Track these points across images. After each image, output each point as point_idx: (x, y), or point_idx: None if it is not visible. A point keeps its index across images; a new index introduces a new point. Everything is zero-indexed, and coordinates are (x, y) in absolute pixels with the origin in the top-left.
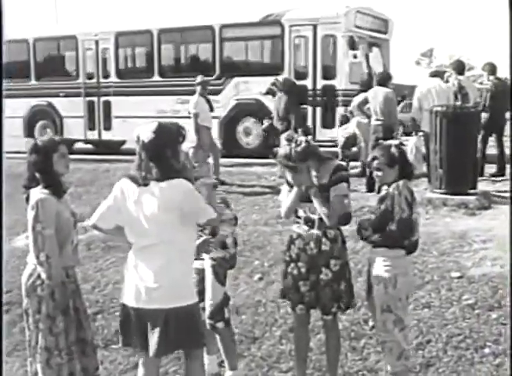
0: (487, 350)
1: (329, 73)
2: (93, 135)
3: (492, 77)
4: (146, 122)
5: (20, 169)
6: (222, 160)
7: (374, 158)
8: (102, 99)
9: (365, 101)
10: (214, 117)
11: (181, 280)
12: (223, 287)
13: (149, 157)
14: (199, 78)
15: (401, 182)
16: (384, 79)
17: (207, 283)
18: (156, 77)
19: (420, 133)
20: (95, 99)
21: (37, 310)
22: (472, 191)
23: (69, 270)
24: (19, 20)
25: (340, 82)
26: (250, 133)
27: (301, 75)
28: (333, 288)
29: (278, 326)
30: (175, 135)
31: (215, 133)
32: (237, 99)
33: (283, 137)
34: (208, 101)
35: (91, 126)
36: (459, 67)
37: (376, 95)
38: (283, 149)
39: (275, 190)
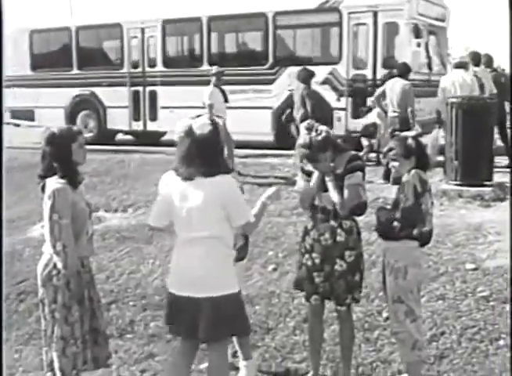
0: (501, 342)
1: (390, 62)
2: (138, 125)
3: (489, 70)
4: (194, 113)
5: (33, 159)
6: (246, 152)
7: (390, 149)
8: (148, 88)
9: (383, 93)
10: (266, 108)
11: (225, 269)
12: None
13: (201, 151)
14: (214, 69)
15: (412, 172)
16: (403, 71)
17: None
18: (206, 67)
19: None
20: (140, 88)
21: (53, 300)
22: (487, 183)
23: (84, 260)
24: (33, 11)
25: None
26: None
27: (360, 64)
28: (348, 279)
29: (292, 316)
30: (220, 131)
31: (268, 125)
32: (291, 90)
33: (302, 126)
34: (223, 92)
35: (136, 117)
36: (476, 59)
37: (394, 87)
38: (302, 138)
39: (290, 181)
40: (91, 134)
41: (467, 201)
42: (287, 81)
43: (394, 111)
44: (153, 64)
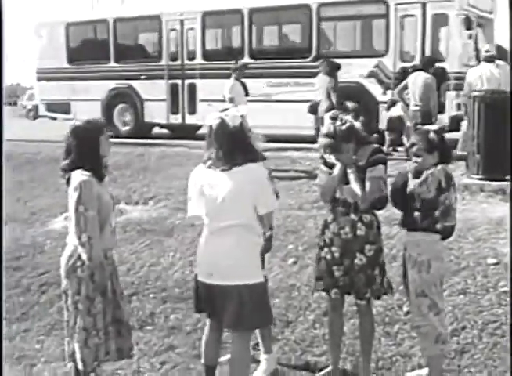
0: None
1: (439, 55)
2: (176, 119)
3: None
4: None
5: (55, 153)
6: (265, 145)
7: (413, 144)
8: (187, 81)
9: (405, 87)
10: (308, 102)
11: (253, 258)
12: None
13: (235, 142)
14: (237, 63)
15: (438, 167)
16: (426, 64)
17: None
18: (246, 59)
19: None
20: (178, 81)
21: (77, 291)
22: (509, 177)
23: (107, 252)
24: (52, 4)
25: (452, 64)
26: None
27: (408, 57)
28: (367, 273)
29: (311, 310)
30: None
31: (310, 119)
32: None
33: (326, 116)
34: (243, 85)
35: (174, 110)
36: (500, 53)
37: (416, 80)
38: (326, 127)
39: (310, 175)
40: (127, 127)
41: (489, 195)
42: None
43: (416, 105)
44: (192, 57)
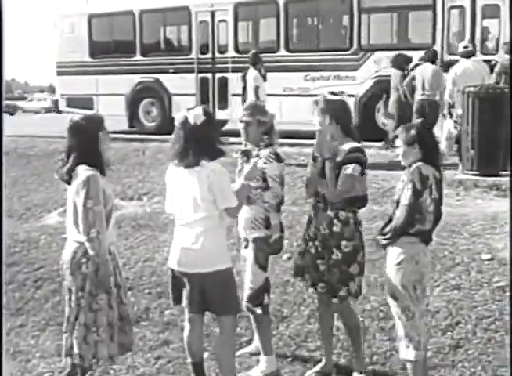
0: None
1: (490, 47)
2: None
3: (507, 57)
4: (270, 100)
5: (49, 148)
6: None
7: (396, 137)
8: (218, 75)
9: (413, 79)
10: (349, 96)
11: (214, 248)
12: (264, 273)
13: (194, 140)
14: (254, 51)
15: (413, 167)
16: (431, 57)
17: (247, 267)
18: (282, 52)
19: (455, 116)
20: (209, 75)
21: (81, 288)
22: (504, 172)
23: (110, 246)
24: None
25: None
26: (391, 115)
27: (455, 49)
28: (342, 269)
29: (306, 305)
30: (215, 119)
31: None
32: (378, 76)
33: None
34: (261, 74)
35: (204, 105)
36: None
37: (424, 71)
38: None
39: (304, 170)
40: (153, 123)
41: (483, 191)
42: (374, 68)
43: (423, 94)
44: (223, 50)
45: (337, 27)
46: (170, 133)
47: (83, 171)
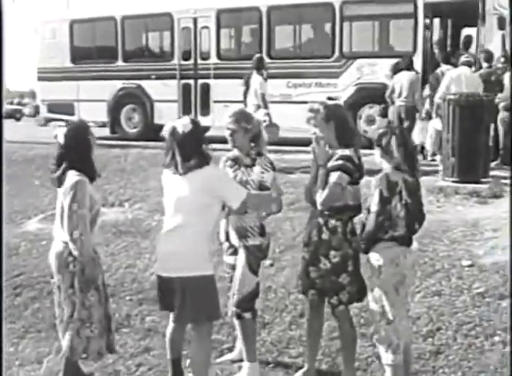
0: (497, 338)
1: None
2: None
3: (486, 65)
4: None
5: (29, 153)
6: None
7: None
8: (200, 81)
9: (393, 89)
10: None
11: (196, 253)
12: (256, 278)
13: (182, 148)
14: (258, 55)
15: (380, 174)
16: (408, 64)
17: (237, 271)
18: (266, 59)
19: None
20: (191, 81)
21: (71, 285)
22: (484, 179)
23: (95, 247)
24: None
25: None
26: (373, 121)
27: (437, 57)
28: (332, 280)
29: (288, 311)
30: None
31: None
32: (360, 83)
33: None
34: (265, 79)
35: (186, 111)
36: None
37: (401, 79)
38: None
39: (287, 177)
40: (135, 129)
41: (464, 198)
42: (355, 75)
43: (402, 100)
44: (205, 56)
45: (319, 34)
46: (152, 139)
47: (71, 176)
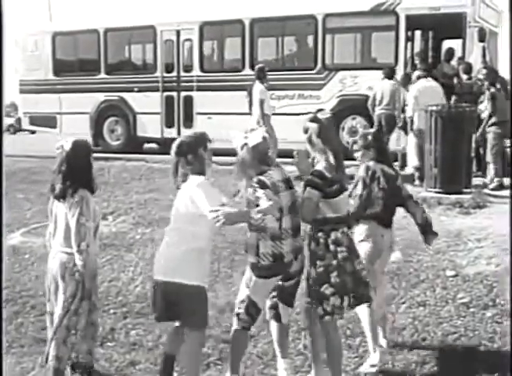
0: (482, 348)
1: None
2: (171, 133)
3: (465, 76)
4: (235, 119)
5: (13, 168)
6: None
7: (354, 142)
8: (183, 94)
9: (374, 98)
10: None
11: (183, 260)
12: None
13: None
14: (260, 65)
15: (362, 165)
16: (389, 73)
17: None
18: (248, 71)
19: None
20: (174, 94)
21: (73, 294)
22: (467, 190)
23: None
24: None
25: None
26: (356, 133)
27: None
28: (315, 289)
29: None
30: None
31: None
32: (342, 95)
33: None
34: (267, 88)
35: (169, 123)
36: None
37: (382, 87)
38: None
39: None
40: (118, 142)
41: (447, 208)
42: (338, 87)
43: (382, 108)
44: (188, 69)
45: (302, 46)
46: (135, 152)
47: (77, 192)
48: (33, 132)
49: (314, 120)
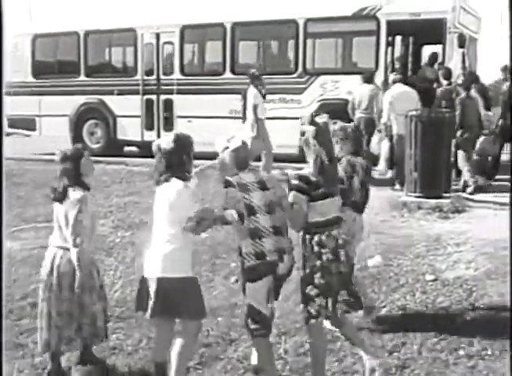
0: (461, 352)
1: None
2: (151, 136)
3: (445, 82)
4: (216, 123)
5: None
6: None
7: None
8: (163, 97)
9: (353, 102)
10: (293, 119)
11: (172, 255)
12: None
13: (164, 162)
14: (253, 70)
15: (343, 159)
16: (369, 77)
17: None
18: (228, 75)
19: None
20: (154, 97)
21: (70, 285)
22: (446, 194)
23: (93, 255)
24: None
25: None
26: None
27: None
28: (302, 291)
29: None
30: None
31: (295, 137)
32: (323, 100)
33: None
34: (261, 93)
35: (149, 126)
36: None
37: (362, 91)
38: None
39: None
40: (98, 145)
41: (427, 213)
42: (319, 91)
43: (361, 113)
44: (169, 72)
45: (283, 50)
46: (115, 155)
47: (74, 192)
48: (8, 134)
49: (312, 123)
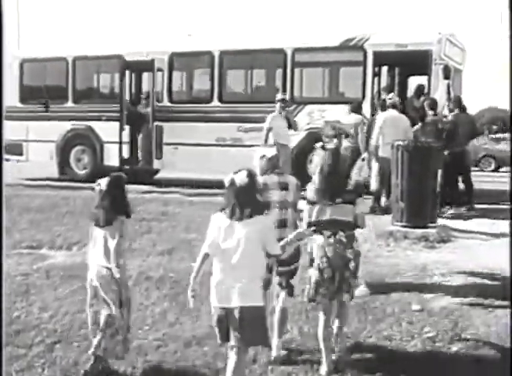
0: None
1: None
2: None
3: (431, 112)
4: (202, 150)
5: None
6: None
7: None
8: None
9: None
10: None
11: (249, 285)
12: None
13: (239, 198)
14: (279, 95)
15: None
16: (357, 107)
17: None
18: (216, 103)
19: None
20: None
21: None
22: (432, 224)
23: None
24: None
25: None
26: None
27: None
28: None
29: None
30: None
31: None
32: (310, 128)
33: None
34: (287, 119)
35: (135, 153)
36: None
37: (349, 120)
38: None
39: None
40: (85, 171)
41: (413, 242)
42: (306, 120)
43: (349, 141)
44: (157, 99)
45: (271, 79)
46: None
47: (119, 219)
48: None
49: (322, 148)
